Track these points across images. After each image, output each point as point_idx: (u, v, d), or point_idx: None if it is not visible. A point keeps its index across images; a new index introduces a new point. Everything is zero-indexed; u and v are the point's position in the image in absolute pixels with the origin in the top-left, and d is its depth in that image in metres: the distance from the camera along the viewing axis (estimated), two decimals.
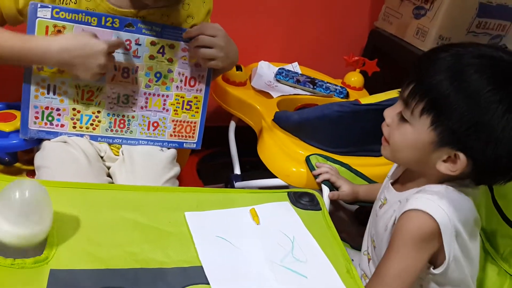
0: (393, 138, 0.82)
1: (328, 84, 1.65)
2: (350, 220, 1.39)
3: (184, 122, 1.11)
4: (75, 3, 0.96)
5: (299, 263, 0.73)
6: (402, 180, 0.90)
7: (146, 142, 1.09)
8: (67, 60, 0.91)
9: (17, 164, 1.10)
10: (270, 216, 0.82)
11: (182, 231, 0.74)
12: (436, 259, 0.79)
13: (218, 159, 1.77)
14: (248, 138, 1.44)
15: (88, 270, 0.63)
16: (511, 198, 0.91)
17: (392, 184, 0.91)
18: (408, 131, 0.78)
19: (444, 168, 0.76)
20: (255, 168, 1.34)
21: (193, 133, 1.13)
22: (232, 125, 1.55)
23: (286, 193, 0.89)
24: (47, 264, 0.61)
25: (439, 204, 0.76)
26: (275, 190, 0.90)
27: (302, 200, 0.87)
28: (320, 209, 0.86)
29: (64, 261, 0.63)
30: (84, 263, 0.63)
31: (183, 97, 1.09)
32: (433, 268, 0.80)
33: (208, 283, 0.65)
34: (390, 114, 0.82)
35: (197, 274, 0.66)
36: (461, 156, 0.73)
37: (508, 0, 1.74)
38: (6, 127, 1.02)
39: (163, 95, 1.07)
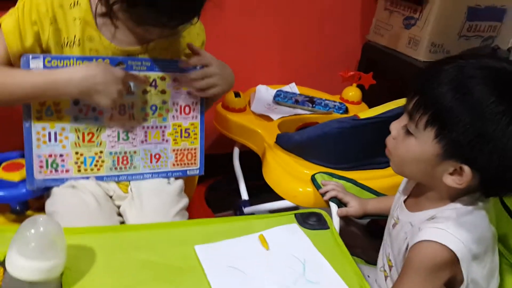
0: (398, 151, 0.82)
1: (326, 101, 1.67)
2: (363, 234, 1.39)
3: (184, 150, 1.13)
4: (78, 45, 0.98)
5: (312, 285, 0.73)
6: (414, 196, 0.89)
7: (150, 175, 1.11)
8: (89, 87, 0.93)
9: (29, 212, 1.11)
10: (279, 240, 0.82)
11: (194, 266, 0.75)
12: (453, 283, 0.78)
13: (225, 186, 1.77)
14: (253, 162, 1.45)
15: None
16: None
17: (405, 200, 0.91)
18: (412, 144, 0.78)
19: (450, 181, 0.76)
20: (263, 191, 1.35)
21: (195, 160, 1.15)
22: (236, 151, 1.57)
23: (293, 215, 0.89)
24: None
25: (452, 233, 0.75)
26: (282, 213, 0.91)
27: (310, 220, 0.87)
28: (328, 227, 0.86)
29: None
30: None
31: (180, 126, 1.11)
32: None
33: None
34: (396, 127, 0.82)
35: None
36: (466, 169, 0.73)
37: (496, 1, 1.77)
38: (15, 176, 1.04)
39: (161, 127, 1.09)
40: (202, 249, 0.77)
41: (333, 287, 0.73)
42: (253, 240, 0.81)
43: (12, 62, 0.97)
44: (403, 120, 0.80)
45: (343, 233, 1.00)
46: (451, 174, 0.76)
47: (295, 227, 0.86)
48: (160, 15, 0.88)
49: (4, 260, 0.63)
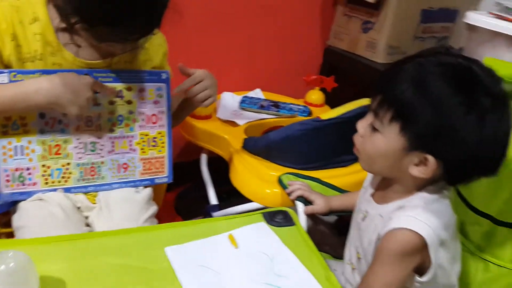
0: (366, 148, 0.85)
1: (291, 105, 1.71)
2: (331, 232, 1.42)
3: (152, 158, 1.14)
4: (41, 60, 0.99)
5: (281, 278, 0.76)
6: (381, 189, 0.93)
7: (119, 185, 1.11)
8: (58, 95, 0.94)
9: None
10: (249, 238, 0.85)
11: (165, 267, 0.76)
12: (422, 268, 0.82)
13: (194, 193, 1.78)
14: (222, 168, 1.47)
15: None
16: (473, 186, 0.97)
17: (372, 194, 0.94)
18: (379, 139, 0.82)
19: (416, 171, 0.80)
20: (232, 196, 1.37)
21: (163, 168, 1.16)
22: (204, 158, 1.58)
23: (261, 214, 0.92)
24: None
25: (421, 220, 0.79)
26: (251, 213, 0.93)
27: (277, 218, 0.90)
28: (294, 224, 0.89)
29: None
30: None
31: (148, 135, 1.12)
32: (419, 277, 0.83)
33: None
34: (362, 125, 0.86)
35: None
36: (430, 158, 0.77)
37: (448, 3, 1.85)
38: None
39: (128, 136, 1.10)
40: (172, 250, 0.79)
41: (301, 280, 0.76)
42: (223, 240, 0.83)
43: None
44: (369, 118, 0.84)
45: (312, 232, 1.03)
46: (416, 165, 0.80)
47: (263, 225, 0.89)
48: (121, 31, 0.90)
49: None
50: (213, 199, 1.50)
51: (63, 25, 0.96)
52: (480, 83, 0.75)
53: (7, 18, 0.95)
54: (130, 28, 0.90)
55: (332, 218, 1.40)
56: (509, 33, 1.29)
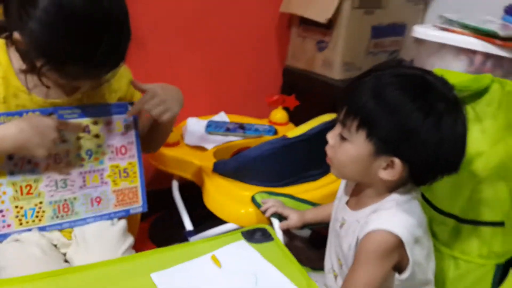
0: (337, 156, 0.91)
1: (256, 126, 1.75)
2: (307, 247, 1.46)
3: (125, 189, 1.14)
4: (4, 103, 0.98)
5: None
6: (355, 196, 0.98)
7: (93, 219, 1.11)
8: (24, 140, 0.94)
9: None
10: (231, 256, 0.87)
11: None
12: (400, 266, 0.87)
13: (168, 220, 1.77)
14: (194, 193, 1.49)
15: None
16: (435, 189, 1.03)
17: (347, 202, 0.99)
18: (348, 147, 0.87)
19: (385, 175, 0.85)
20: (207, 219, 1.38)
21: (136, 198, 1.16)
22: (175, 184, 1.59)
23: (240, 232, 0.95)
24: None
25: (396, 220, 0.85)
26: (230, 233, 0.96)
27: (256, 235, 0.94)
28: (272, 239, 0.93)
29: None
30: None
31: (118, 167, 1.13)
32: (399, 274, 0.87)
33: None
34: (332, 136, 0.91)
35: None
36: (396, 161, 0.83)
37: (396, 18, 1.94)
38: None
39: (98, 170, 1.11)
40: (158, 276, 0.80)
41: None
42: (206, 261, 0.85)
43: None
44: (337, 129, 0.90)
45: (288, 248, 1.06)
46: (384, 168, 0.86)
47: (243, 243, 0.92)
48: (89, 68, 0.92)
49: None
50: (188, 225, 1.50)
51: (27, 68, 0.96)
52: (434, 90, 0.83)
53: None
54: (99, 64, 0.92)
55: (306, 233, 1.43)
56: (454, 44, 1.38)
